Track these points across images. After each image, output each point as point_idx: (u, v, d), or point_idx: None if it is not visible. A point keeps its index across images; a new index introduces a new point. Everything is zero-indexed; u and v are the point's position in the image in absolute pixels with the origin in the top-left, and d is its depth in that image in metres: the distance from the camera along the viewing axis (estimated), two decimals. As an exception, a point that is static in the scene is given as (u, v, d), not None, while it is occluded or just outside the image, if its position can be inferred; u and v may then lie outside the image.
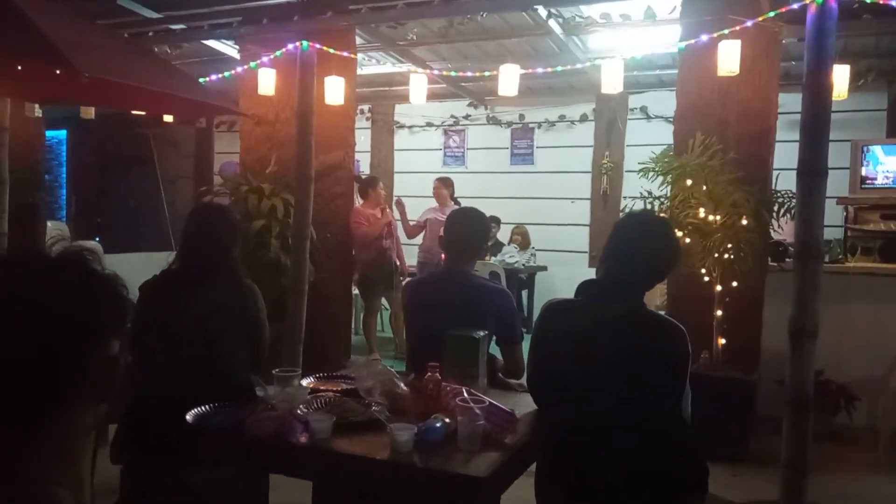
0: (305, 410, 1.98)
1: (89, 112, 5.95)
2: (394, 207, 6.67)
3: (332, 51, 4.54)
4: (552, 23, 5.58)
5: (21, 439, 0.85)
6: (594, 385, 2.03)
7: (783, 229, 4.43)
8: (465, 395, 1.95)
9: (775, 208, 4.26)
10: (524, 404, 2.23)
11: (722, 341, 4.24)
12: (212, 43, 6.44)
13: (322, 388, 2.27)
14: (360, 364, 2.17)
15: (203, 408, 2.07)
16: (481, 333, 2.35)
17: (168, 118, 5.72)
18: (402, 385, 2.11)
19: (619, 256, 2.14)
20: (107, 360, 0.92)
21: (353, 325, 6.71)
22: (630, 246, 2.13)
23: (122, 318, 0.93)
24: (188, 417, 2.01)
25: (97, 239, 8.46)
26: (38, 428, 0.86)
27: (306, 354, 4.21)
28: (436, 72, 6.41)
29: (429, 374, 2.09)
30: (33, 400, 0.86)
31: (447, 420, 1.89)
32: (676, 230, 4.26)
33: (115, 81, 2.91)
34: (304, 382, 2.29)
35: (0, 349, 0.84)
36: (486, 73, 4.68)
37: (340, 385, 2.31)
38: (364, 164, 9.32)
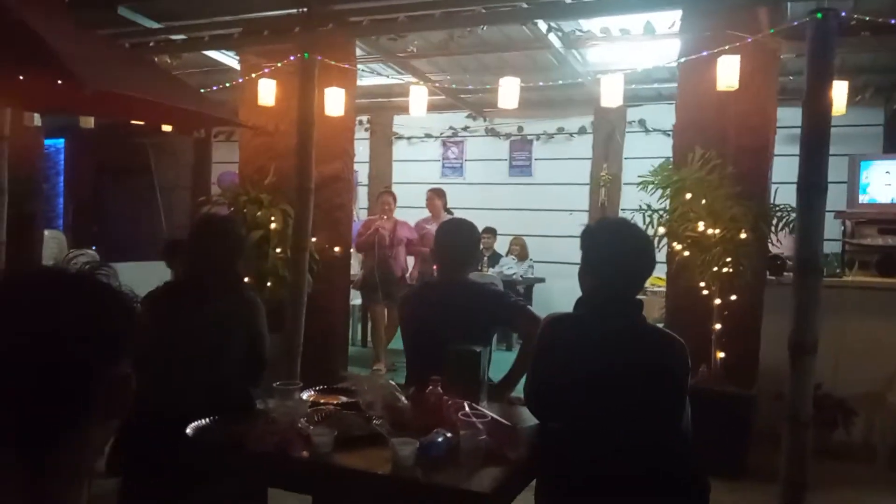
0: (306, 424, 1.97)
1: (89, 122, 5.95)
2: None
3: (333, 63, 4.56)
4: (552, 36, 5.60)
5: (39, 464, 0.85)
6: (595, 399, 2.03)
7: (781, 243, 4.45)
8: (467, 409, 1.95)
9: (773, 222, 4.28)
10: (525, 418, 2.23)
11: (721, 355, 4.24)
12: (212, 53, 6.45)
13: (322, 401, 2.26)
14: (361, 377, 2.17)
15: (203, 421, 2.06)
16: (481, 348, 2.35)
17: (166, 128, 5.72)
18: (403, 399, 2.10)
19: (609, 270, 2.14)
20: (121, 377, 0.91)
21: (349, 337, 6.71)
22: (619, 258, 2.13)
23: (135, 334, 0.92)
24: (188, 431, 2.00)
25: (94, 248, 8.45)
26: (56, 451, 0.85)
27: (304, 366, 4.20)
28: (436, 84, 6.43)
29: (430, 387, 2.09)
30: (50, 424, 0.85)
31: (449, 435, 1.89)
32: (675, 243, 4.31)
33: (117, 93, 2.91)
34: (305, 395, 2.29)
35: (18, 370, 0.83)
36: (487, 87, 4.70)
37: (341, 398, 2.30)
38: (362, 175, 9.32)
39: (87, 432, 0.88)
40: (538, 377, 2.18)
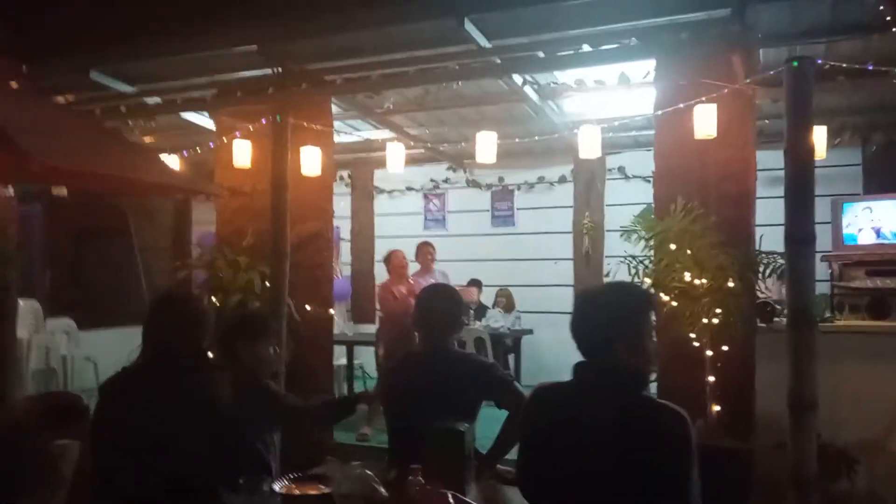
0: (276, 524, 1.81)
1: (61, 190, 5.84)
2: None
3: (307, 124, 4.51)
4: (527, 89, 5.60)
5: None
6: (590, 479, 1.89)
7: (770, 289, 4.37)
8: (451, 501, 1.81)
9: (760, 269, 4.20)
10: (517, 501, 2.08)
11: (716, 408, 4.11)
12: (187, 115, 6.40)
13: (295, 492, 2.10)
14: (337, 466, 2.02)
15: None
16: (466, 426, 2.21)
17: (143, 191, 5.62)
18: (381, 489, 1.96)
19: (597, 338, 2.03)
20: None
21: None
22: (606, 326, 2.02)
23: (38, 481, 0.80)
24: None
25: (70, 316, 8.23)
26: None
27: (287, 432, 4.00)
28: (414, 138, 6.39)
29: (410, 477, 1.94)
30: None
31: (431, 531, 1.74)
32: (662, 294, 4.21)
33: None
34: (277, 486, 2.12)
35: None
36: (464, 143, 4.66)
37: (317, 487, 2.14)
38: (345, 230, 9.24)
39: None
40: (527, 457, 2.04)
